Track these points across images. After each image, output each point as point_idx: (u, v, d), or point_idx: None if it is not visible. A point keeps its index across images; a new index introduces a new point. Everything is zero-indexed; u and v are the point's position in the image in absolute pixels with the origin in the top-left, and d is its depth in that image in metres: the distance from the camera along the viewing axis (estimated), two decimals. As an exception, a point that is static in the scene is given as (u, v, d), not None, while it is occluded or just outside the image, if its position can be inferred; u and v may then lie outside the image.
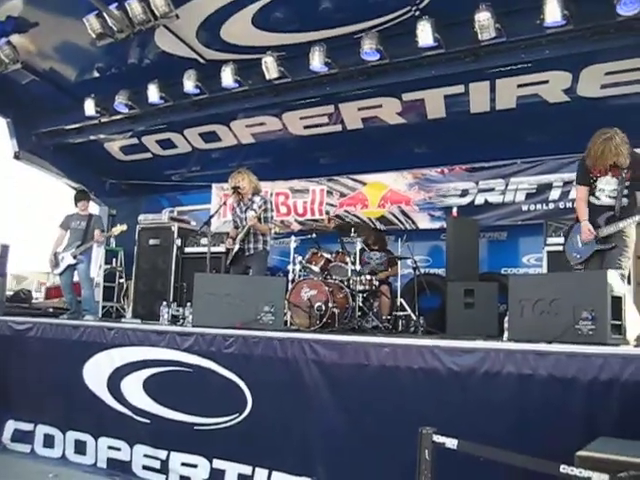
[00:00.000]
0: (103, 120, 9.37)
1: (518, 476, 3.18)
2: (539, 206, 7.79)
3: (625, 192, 4.94)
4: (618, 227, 4.85)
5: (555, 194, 7.65)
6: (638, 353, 3.43)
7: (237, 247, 6.58)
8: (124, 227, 8.01)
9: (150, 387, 5.22)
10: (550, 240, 6.38)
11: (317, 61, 7.08)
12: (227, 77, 7.71)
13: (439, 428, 3.03)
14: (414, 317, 7.17)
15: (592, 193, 5.07)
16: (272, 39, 7.35)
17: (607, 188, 4.98)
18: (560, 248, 6.19)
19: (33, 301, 10.87)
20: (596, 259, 4.95)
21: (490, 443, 3.47)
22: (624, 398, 3.31)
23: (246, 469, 4.61)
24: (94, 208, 8.69)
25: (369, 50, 6.75)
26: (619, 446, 2.95)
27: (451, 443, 2.83)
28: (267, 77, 7.50)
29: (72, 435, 5.65)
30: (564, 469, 2.44)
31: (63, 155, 10.61)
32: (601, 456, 2.78)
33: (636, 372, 3.31)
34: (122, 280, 10.07)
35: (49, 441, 5.79)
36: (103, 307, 9.45)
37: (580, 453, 2.83)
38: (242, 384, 4.71)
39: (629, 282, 5.60)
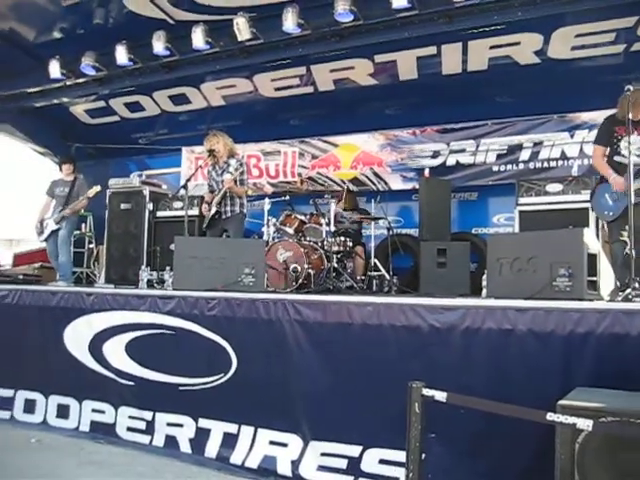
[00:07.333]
0: (69, 83, 9.13)
1: (500, 425, 3.36)
2: (509, 167, 7.93)
3: None
4: None
5: (525, 155, 7.79)
6: (612, 307, 3.56)
7: (214, 210, 6.56)
8: (98, 188, 7.84)
9: (133, 350, 5.24)
10: (522, 200, 6.45)
11: (290, 22, 7.00)
12: (198, 38, 7.57)
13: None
14: (388, 277, 7.30)
15: (618, 152, 5.08)
16: (244, 0, 7.23)
17: (634, 146, 4.80)
18: (533, 208, 6.38)
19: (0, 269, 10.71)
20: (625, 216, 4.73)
21: (472, 396, 3.62)
22: (599, 350, 3.45)
23: (232, 427, 4.69)
24: (59, 173, 8.51)
25: (343, 11, 6.69)
26: (596, 395, 3.11)
27: (440, 396, 2.95)
28: (239, 38, 7.38)
29: (55, 399, 5.65)
30: (550, 417, 2.57)
31: (27, 119, 10.36)
32: (581, 404, 2.93)
33: (610, 325, 3.45)
34: (92, 245, 9.98)
35: (30, 406, 5.77)
36: (73, 273, 9.34)
37: (562, 402, 2.98)
38: (226, 345, 4.76)
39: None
